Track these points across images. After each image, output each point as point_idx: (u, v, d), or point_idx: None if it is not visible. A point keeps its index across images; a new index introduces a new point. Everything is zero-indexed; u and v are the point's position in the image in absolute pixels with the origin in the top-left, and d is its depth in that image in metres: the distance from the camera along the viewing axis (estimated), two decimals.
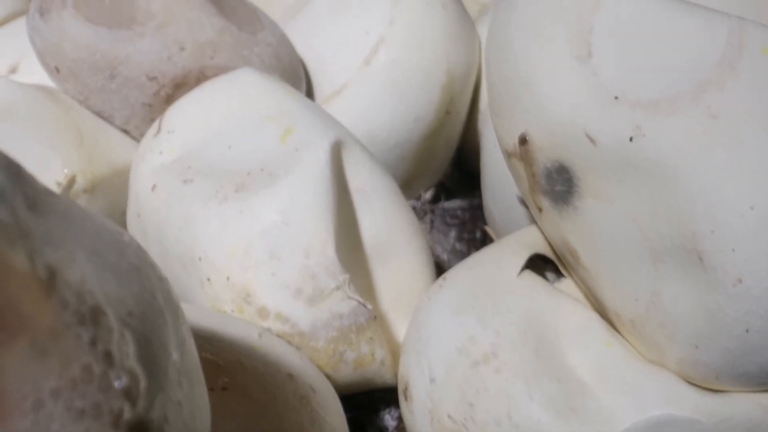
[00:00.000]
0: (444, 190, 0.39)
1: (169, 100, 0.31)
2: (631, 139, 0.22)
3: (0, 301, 0.11)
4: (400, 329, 0.29)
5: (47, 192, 0.13)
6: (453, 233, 0.37)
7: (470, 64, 0.36)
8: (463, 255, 0.36)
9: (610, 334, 0.25)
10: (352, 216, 0.28)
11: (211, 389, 0.21)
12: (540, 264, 0.28)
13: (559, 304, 0.25)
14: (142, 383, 0.13)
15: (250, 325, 0.24)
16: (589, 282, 0.25)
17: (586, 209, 0.24)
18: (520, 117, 0.25)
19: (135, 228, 0.29)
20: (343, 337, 0.25)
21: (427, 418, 0.25)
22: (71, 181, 0.30)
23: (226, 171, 0.27)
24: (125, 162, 0.32)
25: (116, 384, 0.12)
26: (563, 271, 0.27)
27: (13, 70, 0.38)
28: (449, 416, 0.24)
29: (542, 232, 0.28)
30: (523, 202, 0.31)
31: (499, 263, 0.26)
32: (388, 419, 0.30)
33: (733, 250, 0.20)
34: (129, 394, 0.12)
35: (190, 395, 0.15)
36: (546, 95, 0.24)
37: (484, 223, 0.37)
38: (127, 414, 0.12)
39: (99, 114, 0.32)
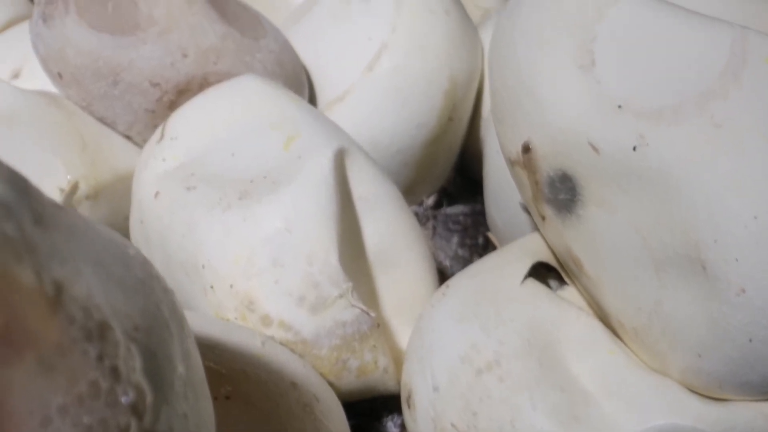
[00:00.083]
0: (446, 195, 0.39)
1: (172, 106, 0.31)
2: (634, 149, 0.22)
3: (7, 316, 0.11)
4: (403, 337, 0.29)
5: (53, 205, 0.13)
6: (455, 239, 0.37)
7: (473, 70, 0.36)
8: (465, 261, 0.36)
9: (613, 343, 0.25)
10: (355, 224, 0.28)
11: (214, 398, 0.21)
12: (543, 272, 0.28)
13: (562, 312, 0.25)
14: (149, 397, 0.13)
15: (254, 333, 0.24)
16: (592, 290, 0.25)
17: (590, 218, 0.24)
18: (523, 125, 0.25)
19: (138, 234, 0.29)
20: (346, 345, 0.25)
21: (430, 426, 0.25)
22: (74, 188, 0.30)
23: (230, 178, 0.27)
24: (128, 168, 0.32)
25: (123, 399, 0.12)
26: (566, 279, 0.27)
27: (16, 75, 0.38)
28: (452, 425, 0.24)
29: (545, 240, 0.28)
30: (526, 209, 0.31)
31: (502, 271, 0.26)
32: (391, 426, 0.30)
33: (737, 259, 0.20)
34: (136, 409, 0.12)
35: (196, 407, 0.15)
36: (549, 103, 0.24)
37: (487, 228, 0.37)
38: (134, 429, 0.12)
39: (102, 120, 0.32)
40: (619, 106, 0.22)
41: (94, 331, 0.12)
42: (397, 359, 0.28)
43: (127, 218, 0.31)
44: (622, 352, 0.24)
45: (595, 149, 0.23)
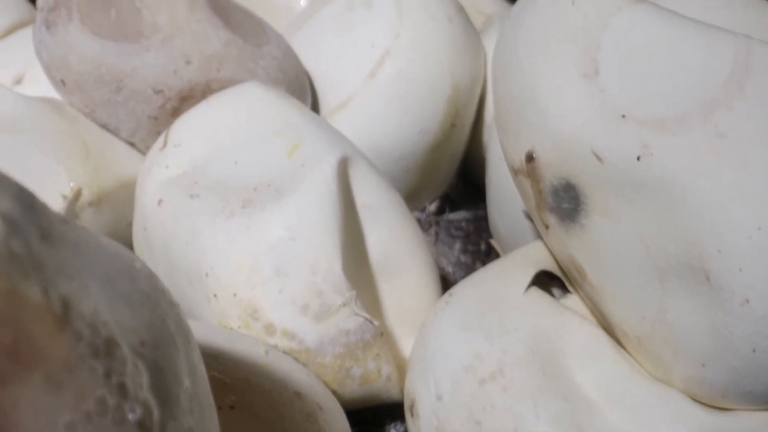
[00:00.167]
0: (449, 201, 0.39)
1: (175, 113, 0.31)
2: (638, 158, 0.22)
3: (14, 334, 0.11)
4: (406, 345, 0.29)
5: (60, 220, 0.13)
6: (458, 245, 0.37)
7: (476, 76, 0.36)
8: (467, 267, 0.36)
9: (617, 352, 0.25)
10: (359, 232, 0.28)
11: (218, 408, 0.21)
12: (546, 280, 0.28)
13: (565, 321, 0.25)
14: (155, 413, 0.13)
15: (257, 341, 0.24)
16: (595, 299, 0.25)
17: (593, 227, 0.24)
18: (527, 134, 0.25)
19: (141, 242, 0.29)
20: (349, 354, 0.25)
21: None
22: (77, 194, 0.30)
23: (233, 186, 0.27)
24: (131, 175, 0.32)
25: (130, 416, 0.12)
26: (569, 288, 0.27)
27: (19, 81, 0.38)
28: None
29: (548, 248, 0.28)
30: (529, 216, 0.31)
31: (506, 280, 0.26)
32: None
33: (740, 270, 0.20)
34: (143, 426, 0.12)
35: (201, 420, 0.15)
36: (553, 112, 0.24)
37: (489, 234, 0.37)
38: None
39: (105, 127, 0.32)
40: (623, 116, 0.22)
41: (101, 347, 0.12)
42: (401, 367, 0.28)
43: (130, 225, 0.31)
44: (626, 361, 0.24)
45: (598, 158, 0.23)
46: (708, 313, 0.21)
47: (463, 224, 0.37)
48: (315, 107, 0.36)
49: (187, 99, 0.31)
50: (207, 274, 0.25)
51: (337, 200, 0.26)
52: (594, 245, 0.24)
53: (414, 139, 0.35)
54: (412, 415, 0.26)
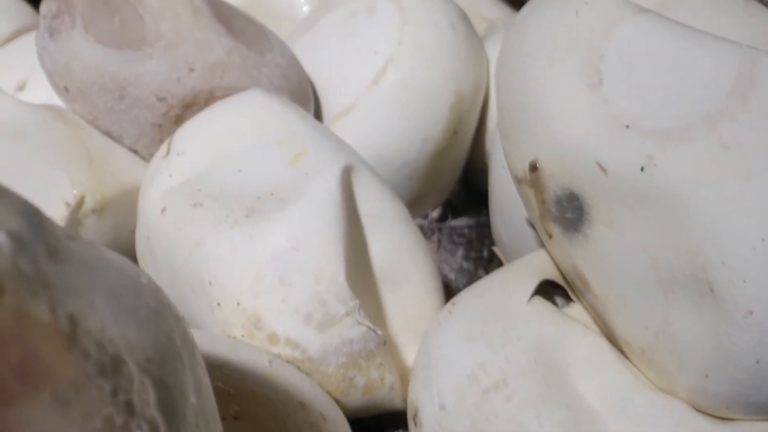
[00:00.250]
0: (451, 208, 0.39)
1: (179, 120, 0.31)
2: (642, 169, 0.22)
3: (22, 353, 0.11)
4: (409, 353, 0.29)
5: (66, 235, 0.14)
6: (460, 252, 0.37)
7: (478, 83, 0.36)
8: (470, 274, 0.36)
9: (620, 362, 0.25)
10: (362, 240, 0.28)
11: (223, 419, 0.21)
12: (549, 289, 0.28)
13: (569, 331, 0.25)
14: (162, 430, 0.13)
15: (261, 351, 0.24)
16: (598, 308, 0.25)
17: (597, 237, 0.24)
18: (531, 143, 0.25)
19: (144, 250, 0.29)
20: (353, 363, 0.25)
21: None
22: (80, 202, 0.30)
23: (236, 194, 0.27)
24: (134, 182, 0.32)
25: None
26: (572, 297, 0.27)
27: (21, 87, 0.38)
28: None
29: (551, 257, 0.28)
30: (531, 224, 0.31)
31: (509, 289, 0.26)
32: None
33: (744, 281, 0.20)
34: None
35: None
36: (556, 122, 0.24)
37: (491, 241, 0.37)
38: None
39: (108, 134, 0.32)
40: (627, 126, 0.22)
41: (108, 365, 0.12)
42: (404, 376, 0.28)
43: (132, 232, 0.31)
44: (629, 372, 0.24)
45: (602, 169, 0.23)
46: (712, 325, 0.21)
47: (466, 231, 0.37)
48: (318, 114, 0.36)
49: (190, 107, 0.31)
50: (210, 283, 0.25)
51: (340, 210, 0.26)
52: (597, 255, 0.24)
53: (417, 147, 0.35)
54: (415, 424, 0.26)
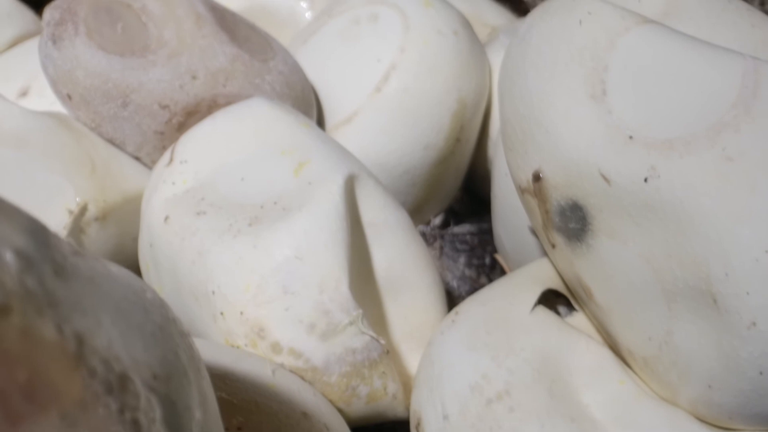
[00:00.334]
0: (453, 214, 0.39)
1: (181, 128, 0.31)
2: (645, 180, 0.22)
3: (29, 373, 0.11)
4: (412, 362, 0.29)
5: (73, 252, 0.14)
6: (462, 259, 0.37)
7: (481, 91, 0.36)
8: (472, 281, 0.36)
9: (624, 372, 0.25)
10: (365, 249, 0.28)
11: (226, 429, 0.21)
12: (552, 297, 0.28)
13: (572, 341, 0.25)
14: None
15: (264, 361, 0.24)
16: (601, 318, 0.25)
17: (600, 247, 0.24)
18: (534, 154, 0.25)
19: (147, 258, 0.29)
20: (356, 372, 0.25)
21: None
22: (83, 209, 0.30)
23: (239, 203, 0.27)
24: (137, 189, 0.32)
25: None
26: (575, 306, 0.27)
27: (24, 93, 0.38)
28: None
29: (554, 266, 0.28)
30: (534, 232, 0.31)
31: (512, 299, 0.26)
32: None
33: (748, 293, 0.20)
34: None
35: None
36: (560, 133, 0.24)
37: (494, 247, 0.37)
38: None
39: (111, 141, 0.32)
40: (631, 137, 0.22)
41: (114, 383, 0.12)
42: (406, 384, 0.28)
43: (135, 239, 0.31)
44: (632, 382, 0.24)
45: (606, 180, 0.23)
46: (715, 336, 0.21)
47: (468, 237, 0.37)
48: (320, 121, 0.36)
49: (193, 114, 0.31)
50: (214, 293, 0.25)
51: (344, 219, 0.26)
52: (601, 266, 0.24)
53: (419, 154, 0.35)
54: None
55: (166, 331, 0.14)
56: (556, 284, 0.27)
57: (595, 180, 0.23)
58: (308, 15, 0.42)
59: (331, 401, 0.25)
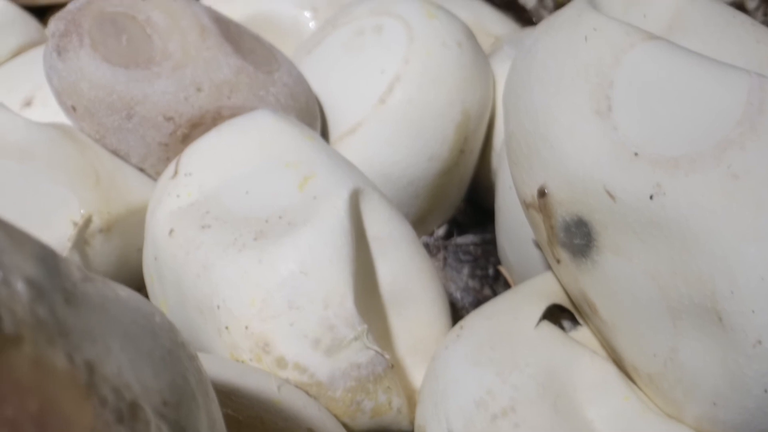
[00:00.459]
0: (456, 225, 0.39)
1: (186, 139, 0.31)
2: (651, 197, 0.22)
3: (41, 402, 0.11)
4: (416, 375, 0.29)
5: (83, 278, 0.14)
6: (466, 270, 0.37)
7: (485, 102, 0.36)
8: (476, 292, 0.36)
9: (628, 388, 0.25)
10: (370, 263, 0.28)
11: None
12: (557, 311, 0.28)
13: (577, 357, 0.25)
14: None
15: (269, 376, 0.24)
16: (606, 334, 0.25)
17: (605, 264, 0.24)
18: (539, 169, 0.25)
19: (151, 271, 0.29)
20: (360, 387, 0.25)
21: None
22: (87, 221, 0.30)
23: (244, 217, 0.27)
24: (141, 201, 0.32)
25: None
26: (580, 320, 0.28)
27: (28, 103, 0.38)
28: None
29: (558, 280, 0.28)
30: (538, 245, 0.31)
31: (517, 314, 0.26)
32: None
33: (753, 311, 0.20)
34: None
35: None
36: (565, 149, 0.24)
37: (497, 258, 0.37)
38: None
39: (115, 153, 0.32)
40: (636, 154, 0.22)
41: (125, 412, 0.12)
42: (411, 399, 0.28)
43: (140, 251, 0.31)
44: (637, 398, 0.24)
45: (611, 197, 0.23)
46: (720, 353, 0.22)
47: (471, 248, 0.37)
48: (324, 132, 0.36)
49: (197, 126, 0.31)
50: (219, 307, 0.25)
51: (348, 235, 0.26)
52: (606, 282, 0.24)
53: (423, 165, 0.35)
54: None
55: (175, 356, 0.14)
56: (561, 299, 0.27)
57: (601, 196, 0.23)
58: (312, 25, 0.42)
59: (335, 416, 0.25)
